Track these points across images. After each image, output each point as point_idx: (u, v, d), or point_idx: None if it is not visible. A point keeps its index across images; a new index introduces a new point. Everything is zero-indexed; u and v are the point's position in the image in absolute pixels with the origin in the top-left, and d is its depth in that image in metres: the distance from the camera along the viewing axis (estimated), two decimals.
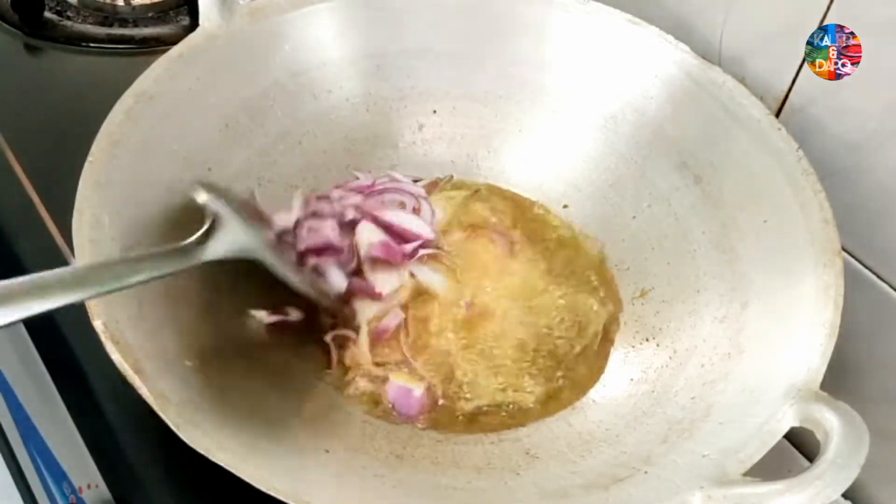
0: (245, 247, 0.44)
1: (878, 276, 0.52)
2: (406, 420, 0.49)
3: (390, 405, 0.49)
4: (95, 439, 0.52)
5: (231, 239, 0.43)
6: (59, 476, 0.59)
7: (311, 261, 0.51)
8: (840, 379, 0.43)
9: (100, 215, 0.43)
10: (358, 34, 0.59)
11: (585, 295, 0.55)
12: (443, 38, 0.60)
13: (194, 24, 0.54)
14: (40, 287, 0.34)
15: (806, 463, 0.47)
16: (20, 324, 0.56)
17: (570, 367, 0.52)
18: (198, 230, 0.43)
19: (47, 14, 0.77)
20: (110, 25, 0.78)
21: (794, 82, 0.53)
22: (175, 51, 0.52)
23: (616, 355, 0.54)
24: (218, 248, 0.43)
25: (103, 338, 0.38)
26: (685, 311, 0.52)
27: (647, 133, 0.58)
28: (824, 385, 0.41)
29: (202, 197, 0.46)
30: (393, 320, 0.51)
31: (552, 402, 0.51)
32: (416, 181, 0.59)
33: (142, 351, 0.39)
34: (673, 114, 0.57)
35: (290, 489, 0.36)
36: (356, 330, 0.51)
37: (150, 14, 0.80)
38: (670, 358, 0.51)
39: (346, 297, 0.51)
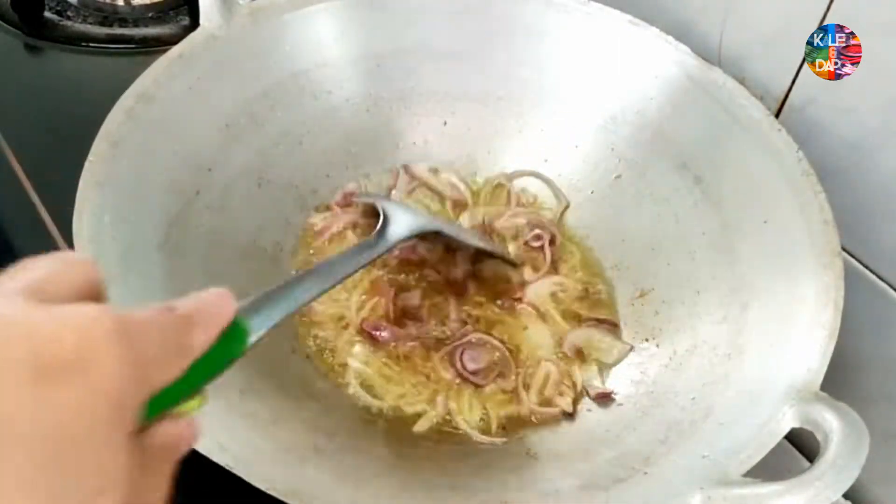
0: (421, 225, 0.52)
1: (878, 276, 0.52)
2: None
3: None
4: None
5: (407, 221, 0.51)
6: None
7: None
8: (840, 379, 0.43)
9: (100, 215, 0.43)
10: (358, 34, 0.59)
11: None
12: (443, 38, 0.60)
13: (194, 24, 0.54)
14: (283, 297, 0.32)
15: (806, 463, 0.47)
16: None
17: None
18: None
19: (47, 14, 0.77)
20: (110, 25, 0.78)
21: (794, 82, 0.53)
22: (175, 51, 0.52)
23: None
24: (400, 231, 0.50)
25: None
26: (685, 311, 0.52)
27: (647, 134, 0.58)
28: (824, 385, 0.41)
29: (367, 199, 0.56)
30: None
31: None
32: None
33: None
34: (673, 114, 0.57)
35: (290, 489, 0.36)
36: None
37: (150, 14, 0.80)
38: (670, 359, 0.51)
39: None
